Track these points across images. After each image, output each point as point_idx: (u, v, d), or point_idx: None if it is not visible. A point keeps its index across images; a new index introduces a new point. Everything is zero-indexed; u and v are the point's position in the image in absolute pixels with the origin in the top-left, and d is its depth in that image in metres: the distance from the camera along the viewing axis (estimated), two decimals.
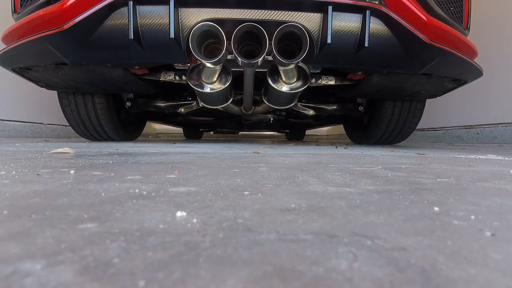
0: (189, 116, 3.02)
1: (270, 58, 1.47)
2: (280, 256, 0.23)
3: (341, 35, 1.44)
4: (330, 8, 1.39)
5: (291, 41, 1.45)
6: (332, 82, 1.97)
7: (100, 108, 2.24)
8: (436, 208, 0.38)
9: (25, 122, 3.64)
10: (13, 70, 1.85)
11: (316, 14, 1.44)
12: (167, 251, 0.23)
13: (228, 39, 1.37)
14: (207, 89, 1.70)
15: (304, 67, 1.70)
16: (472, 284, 0.19)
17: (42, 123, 3.87)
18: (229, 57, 1.50)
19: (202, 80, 1.69)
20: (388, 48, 1.52)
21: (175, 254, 0.23)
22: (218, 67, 1.55)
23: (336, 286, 0.19)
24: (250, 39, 1.45)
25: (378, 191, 0.48)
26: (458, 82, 1.98)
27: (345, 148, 1.90)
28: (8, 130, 3.42)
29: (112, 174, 0.61)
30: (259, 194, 0.44)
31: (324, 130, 7.44)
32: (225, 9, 1.40)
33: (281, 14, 1.42)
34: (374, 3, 1.41)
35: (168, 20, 1.37)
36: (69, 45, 1.50)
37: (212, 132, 6.04)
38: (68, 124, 2.39)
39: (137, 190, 0.45)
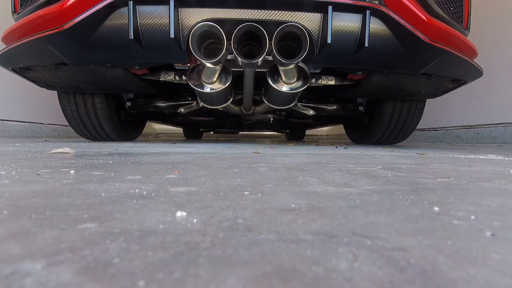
0: (189, 116, 3.02)
1: (270, 58, 1.47)
2: (280, 256, 0.23)
3: (341, 35, 1.44)
4: (330, 8, 1.39)
5: (291, 41, 1.45)
6: (332, 82, 1.97)
7: (100, 108, 2.24)
8: (436, 208, 0.38)
9: (25, 122, 3.64)
10: (13, 70, 1.85)
11: (316, 14, 1.44)
12: (167, 251, 0.23)
13: (228, 39, 1.37)
14: (207, 89, 1.70)
15: (304, 67, 1.70)
16: (472, 284, 0.19)
17: (42, 123, 3.87)
18: (229, 57, 1.50)
19: (202, 80, 1.69)
20: (388, 48, 1.52)
21: (175, 254, 0.23)
22: (218, 67, 1.55)
23: (336, 286, 0.19)
24: (250, 39, 1.44)
25: (378, 191, 0.48)
26: (458, 82, 1.98)
27: (345, 148, 1.90)
28: (8, 130, 3.42)
29: (112, 174, 0.61)
30: (259, 194, 0.44)
31: (324, 130, 7.44)
32: (225, 9, 1.40)
33: (281, 14, 1.42)
34: (374, 3, 1.41)
35: (168, 20, 1.37)
36: (69, 45, 1.50)
37: (212, 132, 6.04)
38: (68, 124, 2.39)
39: (137, 190, 0.45)
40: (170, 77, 1.92)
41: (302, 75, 1.72)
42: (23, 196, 0.40)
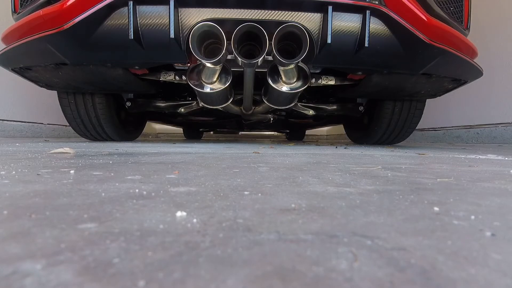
0: (189, 116, 3.02)
1: (270, 58, 1.47)
2: (280, 256, 0.23)
3: (341, 35, 1.44)
4: (330, 8, 1.39)
5: (291, 41, 1.45)
6: (332, 82, 1.97)
7: (100, 108, 2.24)
8: (436, 208, 0.38)
9: (25, 122, 3.64)
10: (13, 70, 1.85)
11: (316, 14, 1.44)
12: (167, 251, 0.23)
13: (228, 39, 1.37)
14: (207, 89, 1.70)
15: (304, 67, 1.70)
16: (472, 284, 0.19)
17: (42, 123, 3.87)
18: (229, 57, 1.50)
19: (202, 80, 1.69)
20: (388, 48, 1.52)
21: (175, 254, 0.23)
22: (218, 67, 1.55)
23: (336, 286, 0.19)
24: (250, 39, 1.44)
25: (378, 191, 0.48)
26: (458, 82, 1.98)
27: (345, 148, 1.90)
28: (8, 130, 3.42)
29: (112, 174, 0.61)
30: (259, 194, 0.44)
31: (324, 130, 7.44)
32: (225, 9, 1.40)
33: (281, 14, 1.42)
34: (374, 3, 1.41)
35: (168, 20, 1.37)
36: (69, 45, 1.50)
37: (212, 132, 6.04)
38: (68, 124, 2.39)
39: (137, 190, 0.45)
40: (170, 77, 1.92)
41: (302, 75, 1.72)
42: (23, 196, 0.40)
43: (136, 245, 0.24)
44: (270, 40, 1.38)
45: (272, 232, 0.28)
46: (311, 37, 1.45)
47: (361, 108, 2.46)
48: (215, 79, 1.68)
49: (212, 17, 1.40)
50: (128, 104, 2.39)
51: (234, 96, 2.03)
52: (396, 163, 0.95)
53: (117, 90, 2.17)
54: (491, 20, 3.39)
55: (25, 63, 1.72)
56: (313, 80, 1.92)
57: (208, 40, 1.48)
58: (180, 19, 1.42)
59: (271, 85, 1.69)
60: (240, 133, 7.17)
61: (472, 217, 0.34)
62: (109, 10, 1.37)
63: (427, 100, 2.38)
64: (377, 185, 0.54)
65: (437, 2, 1.57)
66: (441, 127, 4.01)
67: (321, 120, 3.32)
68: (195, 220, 0.31)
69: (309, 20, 1.44)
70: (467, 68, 1.78)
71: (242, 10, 1.40)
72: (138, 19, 1.39)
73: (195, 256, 0.22)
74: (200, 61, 1.44)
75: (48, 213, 0.33)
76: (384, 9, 1.41)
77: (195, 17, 1.41)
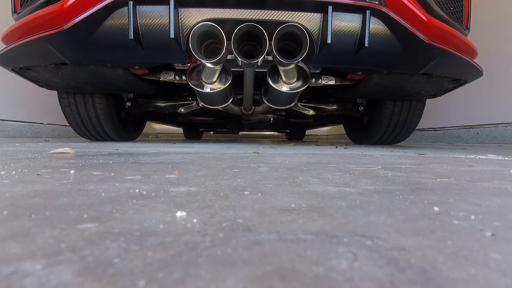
0: (189, 116, 3.02)
1: (270, 58, 1.47)
2: (280, 256, 0.23)
3: (341, 35, 1.44)
4: (330, 8, 1.39)
5: (291, 41, 1.45)
6: (332, 82, 1.97)
7: (100, 108, 2.24)
8: (436, 208, 0.38)
9: (25, 122, 3.64)
10: (13, 70, 1.85)
11: (316, 14, 1.44)
12: (167, 251, 0.23)
13: (228, 39, 1.37)
14: (207, 89, 1.70)
15: (304, 67, 1.70)
16: (472, 284, 0.19)
17: (42, 123, 3.87)
18: (229, 57, 1.50)
19: (202, 80, 1.69)
20: (388, 48, 1.52)
21: (175, 254, 0.23)
22: (218, 67, 1.55)
23: (336, 286, 0.19)
24: (250, 39, 1.45)
25: (378, 191, 0.48)
26: (458, 82, 1.98)
27: (345, 148, 1.90)
28: (8, 130, 3.42)
29: (112, 174, 0.61)
30: (259, 194, 0.44)
31: (324, 130, 7.44)
32: (225, 9, 1.40)
33: (281, 14, 1.42)
34: (374, 3, 1.41)
35: (168, 20, 1.37)
36: (69, 45, 1.50)
37: (212, 132, 6.04)
38: (68, 124, 2.39)
39: (137, 190, 0.45)
40: (170, 77, 1.92)
41: (302, 75, 1.72)
42: (23, 196, 0.40)
43: (136, 245, 0.24)
44: (270, 40, 1.38)
45: (272, 232, 0.28)
46: (311, 37, 1.45)
47: (361, 108, 2.46)
48: (215, 79, 1.68)
49: (212, 17, 1.40)
50: (128, 104, 2.39)
51: (234, 96, 2.03)
52: (396, 163, 0.95)
53: (117, 90, 2.17)
54: (491, 20, 3.39)
55: (25, 63, 1.72)
56: (313, 80, 1.92)
57: (208, 40, 1.48)
58: (180, 19, 1.42)
59: (271, 85, 1.69)
60: (240, 133, 7.18)
61: (472, 217, 0.34)
62: (109, 10, 1.37)
63: (427, 100, 2.38)
64: (377, 185, 0.54)
65: (437, 2, 1.57)
66: (441, 127, 4.01)
67: (321, 120, 3.32)
68: (195, 220, 0.31)
69: (309, 20, 1.44)
70: (467, 68, 1.78)
71: (242, 10, 1.40)
72: (138, 19, 1.39)
73: (195, 256, 0.22)
74: (200, 61, 1.44)
75: (48, 213, 0.33)
76: (384, 9, 1.41)
77: (195, 17, 1.41)
